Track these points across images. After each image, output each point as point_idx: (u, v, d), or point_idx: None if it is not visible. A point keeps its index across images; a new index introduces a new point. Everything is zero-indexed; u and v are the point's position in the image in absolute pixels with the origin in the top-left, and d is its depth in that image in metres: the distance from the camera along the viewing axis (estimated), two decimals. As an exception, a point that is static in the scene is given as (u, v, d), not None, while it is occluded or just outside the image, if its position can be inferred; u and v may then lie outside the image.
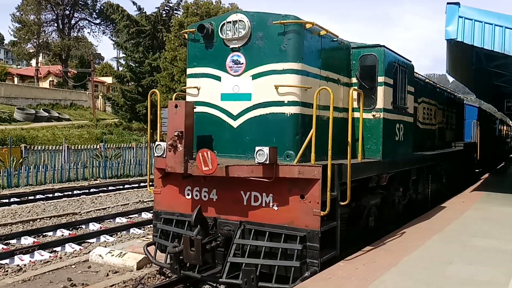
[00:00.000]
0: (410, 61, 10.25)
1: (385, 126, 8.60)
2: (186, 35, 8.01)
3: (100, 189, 19.49)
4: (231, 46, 7.36)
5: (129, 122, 43.73)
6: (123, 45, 43.45)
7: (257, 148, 6.51)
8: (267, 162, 6.46)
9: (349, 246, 7.69)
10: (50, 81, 65.70)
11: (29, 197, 17.13)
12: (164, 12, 43.22)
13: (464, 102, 20.24)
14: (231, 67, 7.41)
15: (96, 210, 14.73)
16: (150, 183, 8.73)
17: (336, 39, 8.07)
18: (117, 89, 45.65)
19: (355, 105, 7.91)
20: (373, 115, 8.43)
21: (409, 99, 9.91)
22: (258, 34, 7.17)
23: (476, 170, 21.23)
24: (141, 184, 21.16)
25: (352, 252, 7.56)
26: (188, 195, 7.60)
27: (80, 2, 65.81)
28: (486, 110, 26.30)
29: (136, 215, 14.18)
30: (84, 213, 14.24)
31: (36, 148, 23.67)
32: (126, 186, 20.77)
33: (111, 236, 11.45)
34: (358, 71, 8.44)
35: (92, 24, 69.74)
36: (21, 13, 62.82)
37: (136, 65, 41.40)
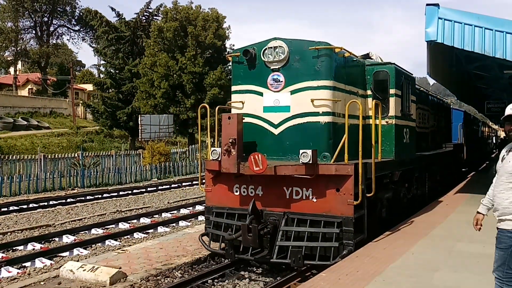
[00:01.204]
0: (412, 74, 11.93)
1: (396, 131, 10.15)
2: (230, 58, 9.40)
3: (77, 199, 18.90)
4: (271, 67, 8.81)
5: (110, 129, 43.08)
6: (102, 51, 42.82)
7: (301, 151, 7.90)
8: (310, 162, 7.86)
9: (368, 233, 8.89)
10: (29, 89, 64.50)
11: (2, 209, 16.50)
12: (143, 18, 42.72)
13: (451, 106, 21.82)
14: (272, 84, 8.86)
15: (71, 221, 14.18)
16: (201, 183, 10.18)
17: (355, 59, 9.68)
18: (97, 96, 44.93)
19: (370, 113, 9.39)
20: (386, 122, 9.89)
21: (412, 107, 11.60)
22: (295, 57, 8.64)
23: (463, 169, 22.60)
24: (120, 193, 20.63)
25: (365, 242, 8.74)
26: (236, 192, 8.99)
27: (59, 9, 64.76)
28: (470, 114, 28.06)
29: (113, 225, 13.69)
30: (58, 224, 13.70)
31: (10, 157, 22.96)
32: (104, 195, 20.18)
33: (85, 249, 10.96)
34: (372, 85, 9.93)
35: (71, 31, 68.72)
36: (-2, 20, 61.66)
37: (116, 71, 40.82)
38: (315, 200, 8.30)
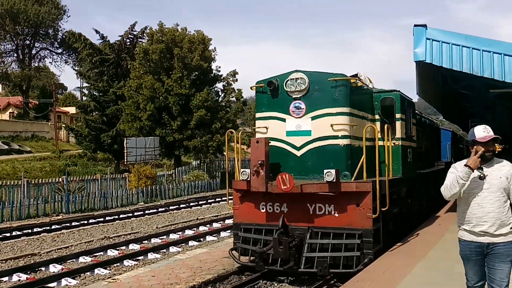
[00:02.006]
0: (412, 99, 12.95)
1: (402, 151, 11.22)
2: (254, 88, 10.36)
3: (62, 225, 18.36)
4: (293, 96, 9.77)
5: (93, 153, 42.49)
6: (86, 74, 42.51)
7: (325, 171, 8.75)
8: (334, 181, 8.68)
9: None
10: (10, 112, 63.58)
11: (-16, 238, 15.95)
12: (127, 40, 42.61)
13: (440, 127, 22.94)
14: (293, 111, 9.80)
15: (58, 249, 13.69)
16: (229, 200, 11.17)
17: (366, 87, 10.77)
18: (80, 119, 44.45)
19: (379, 135, 10.12)
20: (394, 143, 10.68)
21: (413, 129, 12.70)
22: (315, 87, 9.63)
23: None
24: (107, 218, 20.13)
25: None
26: (263, 209, 9.80)
27: (41, 32, 64.45)
28: (457, 133, 29.31)
29: (102, 252, 13.26)
30: (44, 253, 13.21)
31: (-8, 183, 22.37)
32: (91, 220, 19.67)
33: (73, 278, 10.53)
34: (379, 110, 10.98)
35: (53, 53, 68.44)
36: (-21, 44, 61.03)
37: (100, 94, 40.48)
38: (337, 215, 9.19)
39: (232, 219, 18.66)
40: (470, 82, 16.45)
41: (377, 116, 10.93)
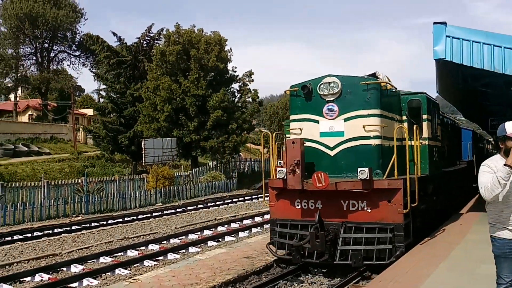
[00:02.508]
0: (437, 101, 13.43)
1: (429, 150, 11.76)
2: (288, 92, 10.90)
3: (82, 226, 18.58)
4: (326, 99, 10.26)
5: (111, 154, 42.85)
6: (103, 76, 42.86)
7: (359, 169, 9.28)
8: (367, 179, 9.22)
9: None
10: (29, 115, 64.49)
11: (6, 238, 16.18)
12: (144, 42, 42.87)
13: (461, 126, 23.44)
14: (327, 113, 10.29)
15: (79, 249, 13.85)
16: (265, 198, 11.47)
17: (394, 90, 11.23)
18: (98, 121, 44.86)
19: (405, 136, 10.87)
20: (421, 143, 11.03)
21: (438, 129, 13.22)
22: (347, 90, 10.12)
23: (474, 185, 23.49)
24: (126, 219, 20.29)
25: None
26: (298, 206, 10.35)
27: (59, 35, 65.16)
28: (477, 133, 29.66)
29: (122, 253, 13.36)
30: (65, 253, 13.36)
31: (13, 185, 22.66)
32: (110, 221, 19.87)
33: (94, 278, 10.63)
34: (407, 111, 11.49)
35: (71, 56, 68.97)
36: (-1, 47, 61.97)
37: (118, 96, 40.78)
38: (369, 210, 9.73)
39: (250, 219, 18.87)
40: (490, 80, 16.20)
41: (404, 117, 11.46)
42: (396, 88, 11.41)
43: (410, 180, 9.78)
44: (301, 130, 10.55)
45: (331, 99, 10.22)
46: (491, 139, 45.38)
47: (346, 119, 10.13)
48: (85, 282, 10.40)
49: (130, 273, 11.18)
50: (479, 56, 12.94)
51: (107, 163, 42.94)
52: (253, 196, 29.84)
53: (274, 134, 11.38)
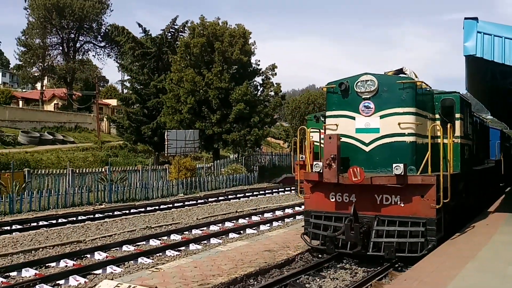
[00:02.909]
0: (469, 100, 13.58)
1: (461, 149, 12.08)
2: (325, 89, 11.43)
3: (105, 214, 18.82)
4: (363, 97, 10.65)
5: (134, 144, 43.27)
6: (128, 67, 43.21)
7: (394, 165, 9.78)
8: (402, 174, 9.71)
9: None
10: (54, 104, 65.61)
11: (32, 224, 16.49)
12: (169, 34, 43.04)
13: (489, 125, 23.33)
14: (363, 110, 10.67)
15: (102, 237, 14.03)
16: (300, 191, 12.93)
17: (428, 89, 11.49)
18: (122, 111, 45.32)
19: (438, 134, 11.14)
20: (453, 141, 11.24)
21: (469, 128, 13.47)
22: (384, 89, 10.51)
23: (501, 184, 24.52)
24: (148, 209, 20.48)
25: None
26: (332, 198, 10.84)
27: (85, 26, 65.95)
28: (505, 132, 29.51)
29: (144, 242, 13.49)
30: (89, 240, 13.55)
31: (39, 172, 23.07)
32: (132, 210, 20.10)
33: (118, 266, 10.75)
34: (440, 110, 11.81)
35: (97, 47, 69.84)
36: (27, 37, 63.03)
37: (141, 87, 41.09)
38: (402, 205, 10.12)
39: (271, 213, 18.95)
40: (521, 78, 15.81)
41: (437, 116, 11.80)
42: (430, 87, 11.67)
43: (443, 176, 10.14)
44: (337, 126, 10.95)
45: (368, 96, 10.61)
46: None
47: (381, 116, 10.51)
48: (109, 269, 10.53)
49: (152, 262, 11.28)
50: (511, 53, 12.61)
51: (129, 153, 43.43)
52: (274, 190, 29.79)
53: (310, 129, 12.22)
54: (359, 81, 10.69)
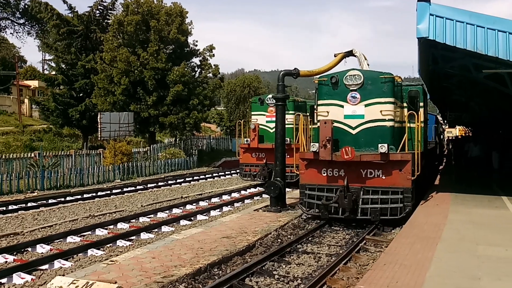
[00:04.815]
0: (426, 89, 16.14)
1: (424, 132, 14.12)
2: (317, 81, 13.46)
3: (39, 202, 17.27)
4: (350, 88, 12.74)
5: (60, 128, 40.64)
6: (53, 46, 40.27)
7: (379, 145, 11.96)
8: (386, 152, 11.89)
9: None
10: (-33, 85, 60.18)
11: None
12: (97, 11, 40.55)
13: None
14: (350, 99, 12.75)
15: (42, 228, 12.79)
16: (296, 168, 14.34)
17: (400, 83, 13.51)
18: (46, 93, 42.28)
19: (405, 119, 13.38)
20: (417, 125, 12.89)
21: (425, 114, 15.48)
22: (368, 82, 12.66)
23: (436, 163, 27.05)
24: (85, 196, 19.11)
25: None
26: (324, 173, 12.80)
27: (2, 1, 60.79)
28: (437, 117, 31.83)
29: (90, 232, 12.46)
30: (27, 232, 12.28)
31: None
32: (68, 198, 18.66)
33: (66, 260, 9.75)
34: (407, 99, 13.80)
35: (15, 24, 64.66)
36: None
37: (68, 67, 38.49)
38: (384, 177, 12.26)
39: (218, 197, 18.70)
40: (461, 62, 16.27)
41: (405, 104, 13.74)
42: (402, 80, 13.88)
43: (416, 155, 12.37)
44: (328, 112, 12.85)
45: (355, 88, 12.66)
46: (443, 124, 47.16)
47: (366, 105, 12.61)
48: (57, 264, 9.52)
49: (104, 254, 10.39)
50: (462, 36, 12.79)
51: (55, 137, 40.76)
52: (214, 174, 29.13)
53: (301, 116, 14.62)
54: (347, 75, 12.75)
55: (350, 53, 17.08)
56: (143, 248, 9.90)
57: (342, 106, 12.77)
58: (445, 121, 44.26)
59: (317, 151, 12.34)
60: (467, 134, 53.70)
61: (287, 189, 15.45)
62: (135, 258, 9.01)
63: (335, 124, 12.55)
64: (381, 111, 12.41)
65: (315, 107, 14.23)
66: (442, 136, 36.62)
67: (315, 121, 13.65)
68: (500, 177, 20.83)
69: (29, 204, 16.86)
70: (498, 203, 13.71)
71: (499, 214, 12.09)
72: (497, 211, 12.44)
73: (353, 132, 12.70)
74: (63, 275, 8.21)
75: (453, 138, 50.77)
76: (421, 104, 14.14)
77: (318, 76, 13.30)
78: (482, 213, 12.12)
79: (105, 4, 40.81)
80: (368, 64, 16.90)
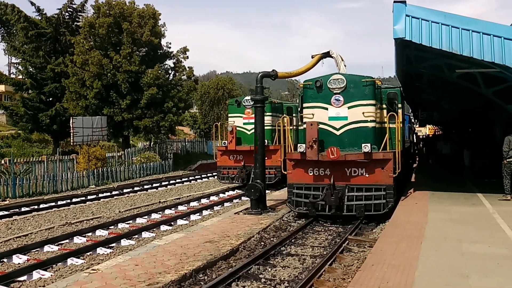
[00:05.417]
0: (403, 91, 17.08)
1: (402, 131, 14.27)
2: (302, 85, 14.06)
3: (11, 211, 16.72)
4: (334, 92, 13.36)
5: (30, 133, 39.54)
6: (20, 49, 39.22)
7: (363, 144, 12.52)
8: (369, 151, 12.48)
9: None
10: None
11: None
12: (67, 14, 39.69)
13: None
14: (334, 102, 13.36)
15: (16, 237, 12.35)
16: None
17: (379, 86, 14.17)
18: (13, 98, 41.07)
19: (385, 120, 14.01)
20: (397, 126, 13.56)
21: (402, 114, 15.77)
22: (351, 85, 13.26)
23: (410, 161, 27.47)
24: (59, 203, 18.61)
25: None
26: (310, 173, 13.29)
27: (-35, 2, 58.95)
28: (410, 117, 32.06)
29: (67, 240, 12.11)
30: (1, 242, 11.84)
31: None
32: (42, 205, 18.13)
33: (45, 270, 9.42)
34: (386, 101, 14.48)
35: (-21, 26, 62.74)
36: None
37: (37, 71, 37.51)
38: (367, 175, 12.81)
39: (196, 201, 18.60)
40: (433, 62, 16.52)
41: (384, 105, 14.35)
42: (381, 83, 14.63)
43: (396, 153, 13.03)
44: (313, 115, 13.37)
45: (338, 91, 13.27)
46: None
47: (349, 107, 13.21)
48: (35, 274, 9.17)
49: (85, 262, 10.09)
50: (437, 36, 12.97)
51: (24, 143, 39.66)
52: (191, 178, 28.86)
53: (286, 119, 14.71)
54: (331, 79, 13.37)
55: (327, 54, 17.14)
56: (125, 256, 9.66)
57: (327, 109, 13.36)
58: (416, 121, 45.05)
59: (304, 151, 12.81)
60: (437, 132, 54.60)
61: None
62: (118, 266, 8.78)
63: (320, 126, 13.11)
64: (363, 113, 13.01)
65: (299, 109, 14.64)
66: (415, 135, 37.33)
67: (300, 123, 14.34)
68: (472, 174, 21.26)
69: (1, 213, 16.28)
70: (474, 200, 13.94)
71: (477, 211, 12.27)
72: (475, 208, 12.64)
73: (337, 133, 13.30)
74: (44, 287, 7.94)
75: (423, 136, 51.65)
76: (399, 105, 14.84)
77: (303, 81, 13.79)
78: (461, 211, 12.28)
79: (74, 6, 39.99)
80: (345, 65, 16.98)
